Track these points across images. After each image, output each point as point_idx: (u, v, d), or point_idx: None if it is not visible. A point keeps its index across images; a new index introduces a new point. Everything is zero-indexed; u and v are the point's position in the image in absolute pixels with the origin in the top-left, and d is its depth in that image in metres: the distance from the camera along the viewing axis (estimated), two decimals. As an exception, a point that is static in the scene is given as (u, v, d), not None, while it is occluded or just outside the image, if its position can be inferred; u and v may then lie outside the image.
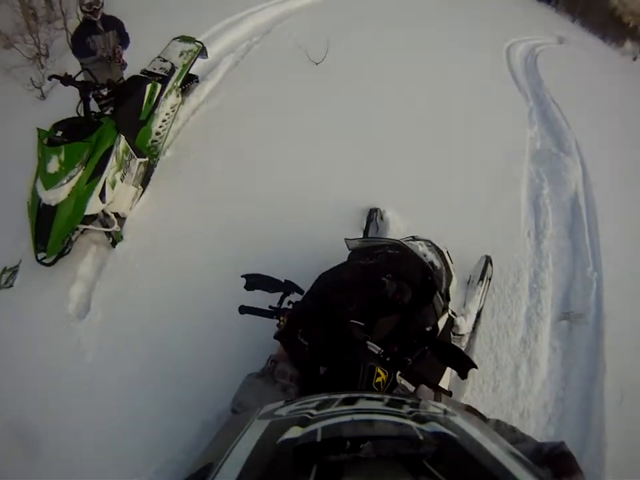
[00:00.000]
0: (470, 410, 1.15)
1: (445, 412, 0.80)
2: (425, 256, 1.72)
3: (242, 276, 1.50)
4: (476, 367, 1.15)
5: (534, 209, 3.23)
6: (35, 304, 2.58)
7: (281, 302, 1.48)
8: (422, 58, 5.21)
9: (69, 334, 2.40)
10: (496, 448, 0.62)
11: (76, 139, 2.50)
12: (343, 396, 0.84)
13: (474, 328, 2.29)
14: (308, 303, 1.40)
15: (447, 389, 1.45)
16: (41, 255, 2.54)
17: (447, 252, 1.91)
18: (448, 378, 1.48)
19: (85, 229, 2.71)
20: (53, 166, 2.42)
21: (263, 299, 1.53)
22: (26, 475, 1.93)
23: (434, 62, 5.20)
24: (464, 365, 1.14)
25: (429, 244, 1.84)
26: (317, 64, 4.57)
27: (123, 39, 3.39)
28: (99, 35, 3.26)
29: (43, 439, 2.02)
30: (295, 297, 1.51)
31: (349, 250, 1.75)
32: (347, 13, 6.26)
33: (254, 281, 1.50)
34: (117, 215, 2.83)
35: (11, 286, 2.71)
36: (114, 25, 3.31)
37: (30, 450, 1.99)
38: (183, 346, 2.23)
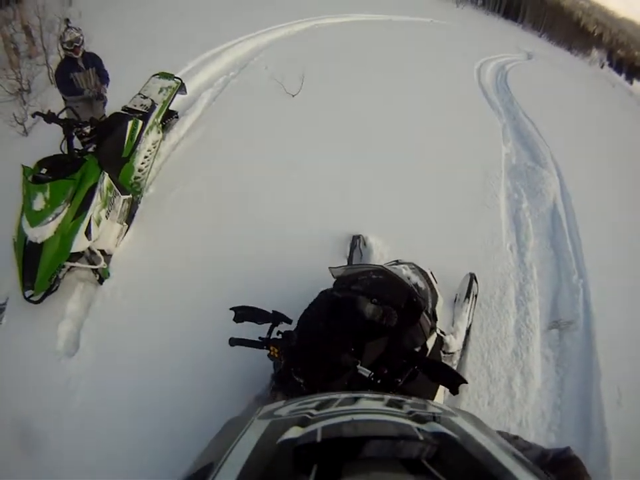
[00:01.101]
0: None
1: (445, 412, 0.80)
2: (408, 279, 1.75)
3: (230, 309, 1.51)
4: (466, 382, 1.16)
5: (514, 223, 3.32)
6: (23, 342, 2.52)
7: (270, 332, 1.49)
8: (396, 85, 5.38)
9: (58, 372, 2.35)
10: (496, 448, 0.61)
11: (60, 177, 2.50)
12: (343, 396, 0.84)
13: (464, 345, 2.30)
14: (294, 342, 1.42)
15: None
16: (28, 293, 2.50)
17: (431, 273, 1.95)
18: (442, 396, 1.49)
19: (71, 267, 2.69)
20: (39, 203, 2.42)
21: (253, 330, 1.55)
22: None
23: (408, 88, 5.37)
24: (454, 381, 1.16)
25: (412, 266, 1.88)
26: (293, 96, 4.68)
27: (102, 76, 3.44)
28: (80, 72, 3.32)
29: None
30: (284, 327, 1.52)
31: (334, 278, 1.78)
32: (320, 43, 6.47)
33: (242, 313, 1.51)
34: (103, 252, 2.82)
35: None
36: (93, 62, 3.36)
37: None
38: (173, 380, 2.20)
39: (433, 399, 1.41)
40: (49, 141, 3.06)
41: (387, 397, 0.86)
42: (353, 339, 1.41)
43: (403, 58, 6.40)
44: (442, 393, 1.49)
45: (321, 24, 8.82)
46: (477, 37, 8.93)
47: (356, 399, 0.82)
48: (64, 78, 3.30)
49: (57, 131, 2.87)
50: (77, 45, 3.21)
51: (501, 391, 2.16)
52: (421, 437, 0.59)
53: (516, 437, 1.17)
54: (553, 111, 5.73)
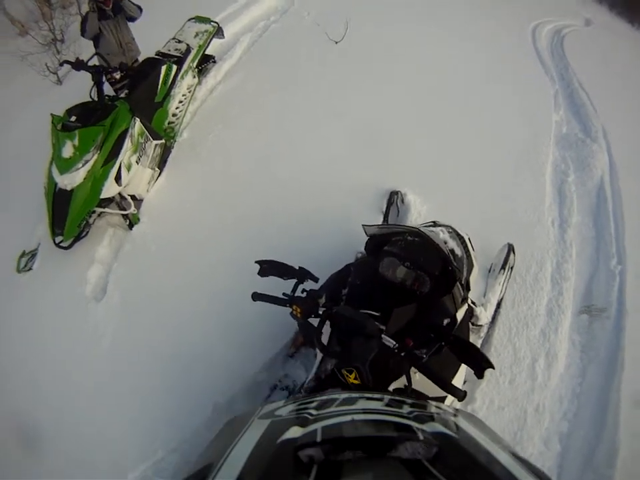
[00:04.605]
0: None
1: (445, 412, 0.80)
2: (445, 243, 1.64)
3: (256, 262, 1.46)
4: (493, 367, 1.10)
5: (559, 196, 3.11)
6: (53, 287, 2.62)
7: (294, 290, 1.44)
8: (446, 38, 5.04)
9: (87, 316, 2.44)
10: (496, 448, 0.62)
11: (90, 123, 2.50)
12: (343, 396, 0.85)
13: (493, 318, 2.22)
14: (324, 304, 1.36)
15: (462, 385, 1.41)
16: (58, 239, 2.58)
17: (469, 238, 1.83)
18: (463, 374, 1.43)
19: (102, 212, 2.74)
20: (68, 151, 2.44)
21: (278, 286, 1.51)
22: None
23: (458, 41, 5.02)
24: (481, 364, 1.10)
25: (450, 230, 1.77)
26: (336, 43, 4.44)
27: (134, 9, 3.35)
28: (109, 20, 3.28)
29: (59, 417, 2.08)
30: (309, 285, 1.48)
31: (367, 236, 1.70)
32: None
33: (267, 267, 1.46)
34: (133, 197, 2.84)
35: (30, 269, 2.77)
36: (122, 6, 3.29)
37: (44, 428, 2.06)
38: (197, 328, 2.24)
39: (453, 377, 1.36)
40: (84, 89, 3.04)
41: (387, 396, 0.87)
42: (380, 303, 1.33)
43: (455, 10, 5.97)
44: (464, 372, 1.42)
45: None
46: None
47: (356, 399, 0.83)
48: (92, 26, 3.25)
49: (90, 78, 2.82)
50: None
51: (523, 371, 2.10)
52: (421, 437, 0.59)
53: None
54: (611, 83, 5.23)
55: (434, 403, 0.92)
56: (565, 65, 5.46)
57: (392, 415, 0.72)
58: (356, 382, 1.13)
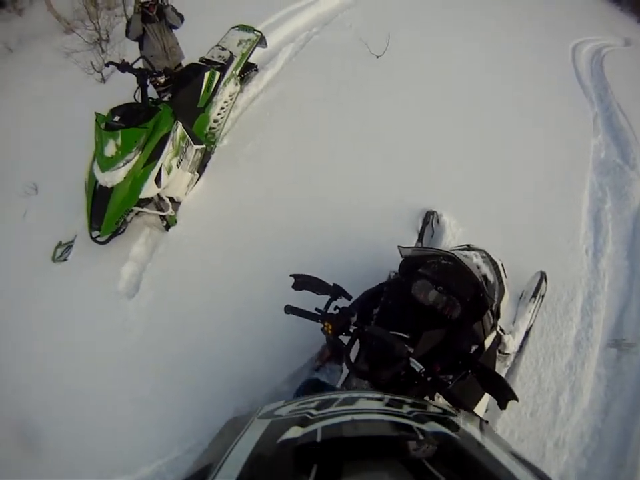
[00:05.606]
0: None
1: (445, 412, 0.80)
2: (478, 268, 1.64)
3: (291, 275, 1.48)
4: (517, 400, 1.10)
5: (594, 224, 3.03)
6: (86, 279, 2.69)
7: (327, 306, 1.45)
8: (486, 55, 5.01)
9: (117, 311, 2.50)
10: (497, 448, 0.62)
11: (133, 124, 2.56)
12: (343, 396, 0.85)
13: (521, 347, 2.19)
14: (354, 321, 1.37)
15: (483, 414, 1.40)
16: (95, 233, 2.65)
17: (502, 265, 1.82)
18: (486, 402, 1.42)
19: (139, 211, 2.80)
20: (110, 149, 2.51)
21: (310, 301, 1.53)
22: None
23: (498, 58, 4.99)
24: (505, 395, 1.10)
25: (484, 255, 1.76)
26: (377, 57, 4.45)
27: (176, 19, 3.42)
28: (154, 24, 3.35)
29: (79, 408, 2.15)
30: (342, 302, 1.48)
31: (402, 257, 1.70)
32: (408, 5, 6.07)
33: (302, 281, 1.48)
34: (171, 199, 2.90)
35: (65, 259, 2.87)
36: (166, 12, 3.36)
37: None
38: (225, 335, 2.27)
39: (476, 404, 1.35)
40: (126, 88, 3.13)
41: (387, 396, 0.87)
42: (410, 325, 1.33)
43: (495, 27, 5.91)
44: (486, 400, 1.41)
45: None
46: (574, 15, 8.00)
47: (356, 399, 0.83)
48: (136, 28, 3.33)
49: (133, 79, 2.92)
50: (152, 3, 3.24)
51: (546, 403, 2.05)
52: (421, 437, 0.59)
53: None
54: (652, 108, 5.06)
55: (434, 403, 0.92)
56: (604, 86, 5.31)
57: (392, 415, 0.72)
58: None
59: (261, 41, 3.93)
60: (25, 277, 2.88)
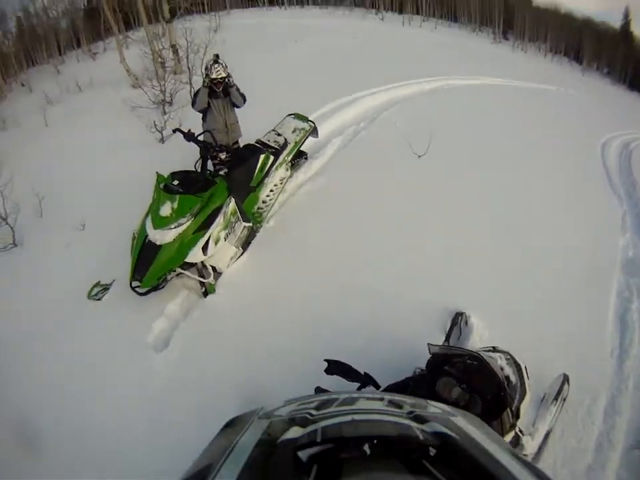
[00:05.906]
0: None
1: (445, 412, 0.79)
2: (502, 369, 1.71)
3: (325, 360, 1.57)
4: None
5: (620, 324, 3.02)
6: (117, 323, 2.76)
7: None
8: (519, 154, 5.21)
9: (142, 360, 2.55)
10: (497, 448, 0.61)
11: (190, 192, 2.73)
12: (343, 396, 0.84)
13: (539, 449, 2.15)
14: None
15: None
16: (135, 283, 2.74)
17: (525, 367, 1.89)
18: None
19: (181, 273, 2.88)
20: (166, 210, 2.67)
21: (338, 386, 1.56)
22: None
23: (530, 156, 5.17)
24: None
25: (508, 357, 1.84)
26: (419, 157, 4.63)
27: (239, 99, 3.69)
28: (219, 99, 3.64)
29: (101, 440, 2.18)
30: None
31: (430, 354, 1.78)
32: (449, 104, 6.43)
33: (335, 367, 1.56)
34: (214, 268, 2.99)
35: (99, 299, 2.96)
36: (230, 92, 3.64)
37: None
38: (244, 401, 2.18)
39: None
40: (182, 154, 3.41)
41: (387, 397, 0.86)
42: None
43: (530, 126, 6.20)
44: None
45: (450, 84, 8.98)
46: (605, 109, 8.35)
47: (356, 399, 0.82)
48: (202, 100, 3.59)
49: (189, 146, 3.12)
50: (220, 81, 3.52)
51: None
52: (421, 437, 0.59)
53: None
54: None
55: (434, 403, 0.91)
56: (632, 182, 5.40)
57: (392, 415, 0.72)
58: None
59: (314, 131, 4.10)
60: (57, 304, 3.01)
